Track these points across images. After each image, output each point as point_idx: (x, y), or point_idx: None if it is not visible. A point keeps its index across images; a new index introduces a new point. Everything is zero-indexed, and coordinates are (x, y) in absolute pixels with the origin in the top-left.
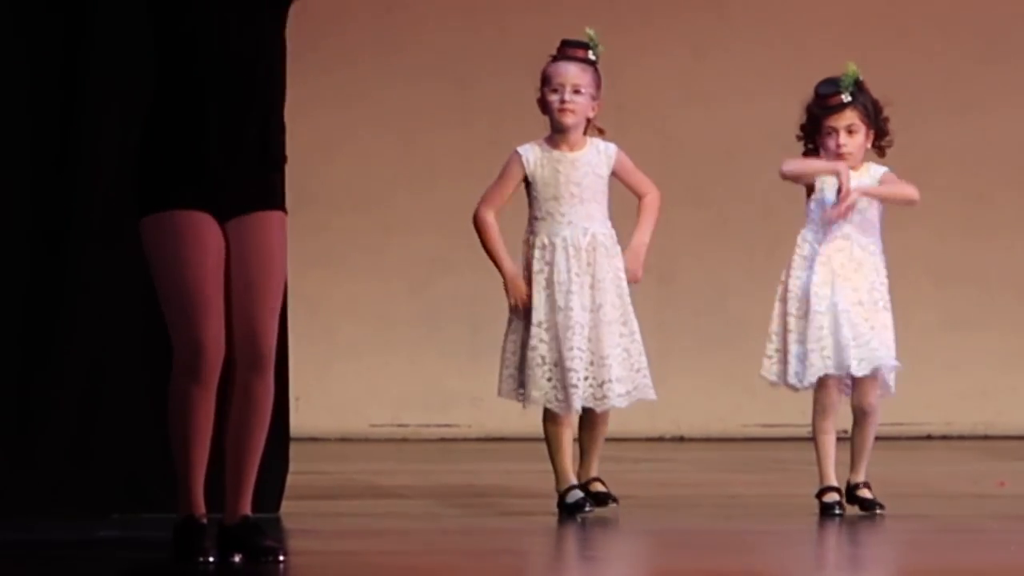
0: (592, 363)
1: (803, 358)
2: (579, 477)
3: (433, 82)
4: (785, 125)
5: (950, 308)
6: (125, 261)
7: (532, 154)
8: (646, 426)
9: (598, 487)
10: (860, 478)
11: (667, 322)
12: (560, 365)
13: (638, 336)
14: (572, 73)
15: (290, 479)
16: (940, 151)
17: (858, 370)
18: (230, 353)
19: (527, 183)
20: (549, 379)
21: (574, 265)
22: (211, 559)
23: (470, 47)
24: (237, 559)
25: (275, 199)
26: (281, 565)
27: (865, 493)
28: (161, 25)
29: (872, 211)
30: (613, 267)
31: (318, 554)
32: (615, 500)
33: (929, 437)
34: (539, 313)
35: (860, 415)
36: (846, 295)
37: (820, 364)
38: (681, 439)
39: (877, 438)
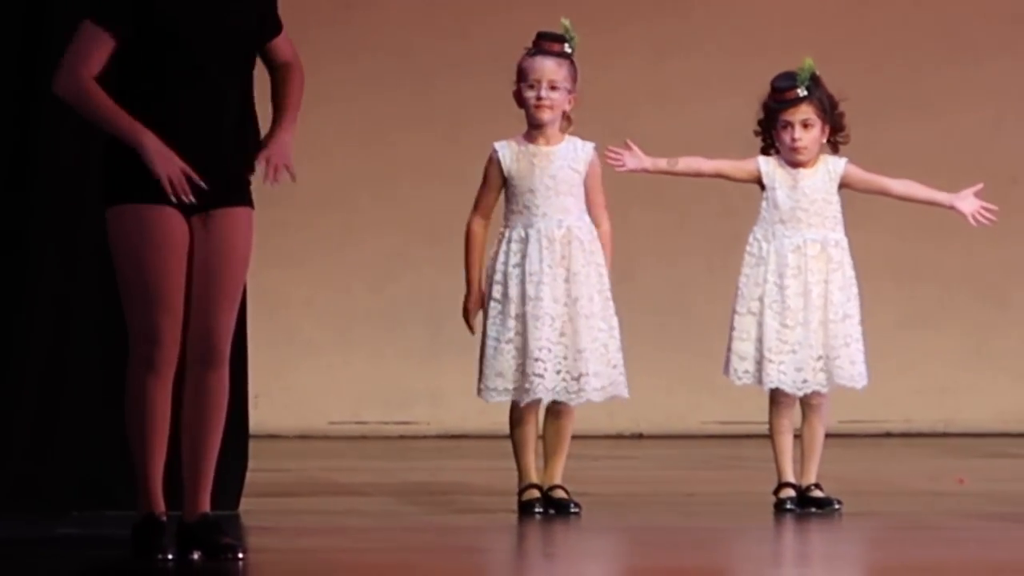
0: (567, 356)
1: (758, 360)
2: (543, 481)
3: (394, 82)
4: (745, 125)
5: (909, 306)
6: (84, 259)
7: (508, 150)
8: (606, 424)
9: (560, 494)
10: (811, 479)
11: (627, 321)
12: (527, 356)
13: (616, 333)
14: (548, 68)
15: (249, 476)
16: (900, 150)
17: (811, 388)
18: (184, 348)
19: (507, 178)
20: (515, 370)
21: (547, 256)
22: (169, 557)
23: (431, 48)
24: (196, 556)
25: (242, 195)
26: (240, 562)
27: (817, 493)
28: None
29: (837, 205)
30: (592, 261)
31: (277, 552)
32: (577, 508)
33: (888, 435)
34: (516, 306)
35: (808, 409)
36: (825, 308)
37: (776, 378)
38: (640, 436)
39: (837, 435)
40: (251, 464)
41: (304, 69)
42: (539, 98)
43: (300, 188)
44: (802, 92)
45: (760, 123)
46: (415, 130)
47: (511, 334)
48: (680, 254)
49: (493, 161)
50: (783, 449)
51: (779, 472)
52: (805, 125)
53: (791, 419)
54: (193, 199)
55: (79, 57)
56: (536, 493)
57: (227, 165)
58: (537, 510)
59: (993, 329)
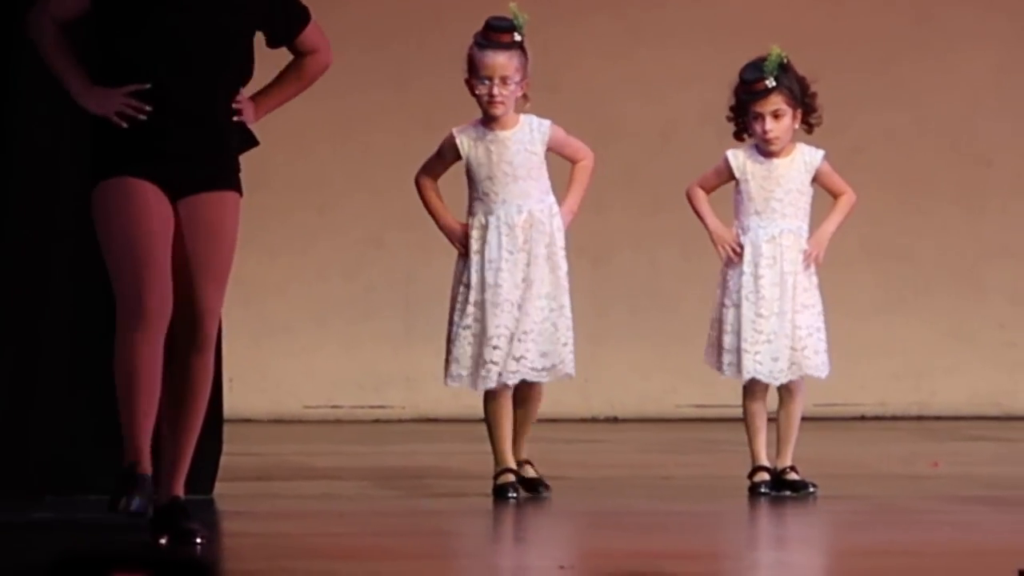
0: (512, 337)
1: (736, 351)
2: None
3: (368, 62)
4: (720, 109)
5: (885, 289)
6: (57, 244)
7: (466, 136)
8: (580, 407)
9: (529, 471)
10: (787, 462)
11: (601, 304)
12: (485, 342)
13: (567, 312)
14: (499, 64)
15: (223, 460)
16: (875, 133)
17: (787, 377)
18: (171, 332)
19: (466, 166)
20: (471, 357)
21: (506, 243)
22: (132, 507)
23: (405, 25)
24: (163, 541)
25: (229, 180)
26: (198, 547)
27: (792, 476)
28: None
29: (809, 197)
30: (551, 241)
31: (252, 535)
32: (547, 487)
33: (863, 418)
34: (475, 293)
35: (785, 393)
36: (794, 298)
37: (752, 368)
38: (615, 420)
39: (811, 418)
40: (225, 448)
41: (330, 58)
42: (491, 95)
43: (275, 174)
44: (770, 83)
45: (732, 108)
46: (389, 118)
47: (469, 320)
48: (656, 239)
49: (449, 142)
50: (756, 433)
51: (753, 456)
52: (776, 115)
53: (764, 403)
54: (148, 109)
55: (52, 1)
56: (511, 477)
57: (214, 150)
58: (511, 495)
59: (968, 312)
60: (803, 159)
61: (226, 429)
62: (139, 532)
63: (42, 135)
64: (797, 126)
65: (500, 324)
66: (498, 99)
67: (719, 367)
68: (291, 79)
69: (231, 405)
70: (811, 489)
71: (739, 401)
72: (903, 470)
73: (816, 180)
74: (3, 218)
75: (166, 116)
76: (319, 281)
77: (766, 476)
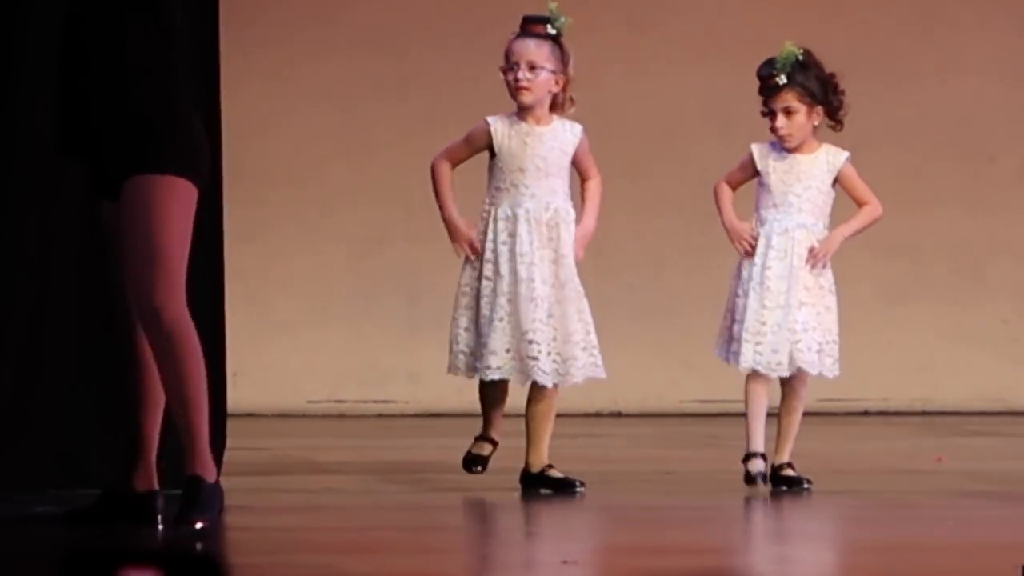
0: (556, 339)
1: (740, 340)
2: (530, 465)
3: (370, 56)
4: (722, 99)
5: (887, 283)
6: (61, 240)
7: (500, 125)
8: (583, 402)
9: (554, 472)
10: (784, 459)
11: (604, 297)
12: (520, 337)
13: (589, 315)
14: (528, 50)
15: (227, 455)
16: (876, 125)
17: (786, 372)
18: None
19: (492, 154)
20: (508, 350)
21: (536, 238)
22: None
23: (407, 21)
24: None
25: (145, 163)
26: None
27: (788, 472)
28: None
29: (830, 198)
30: (571, 246)
31: (255, 530)
32: (581, 484)
33: (866, 413)
34: (504, 284)
35: (787, 389)
36: (799, 294)
37: (751, 358)
38: (618, 415)
39: (814, 414)
40: (229, 442)
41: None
42: (517, 79)
43: (276, 166)
44: (781, 80)
45: (764, 104)
46: (392, 107)
47: (501, 312)
48: (658, 230)
49: (483, 129)
50: (753, 417)
51: (749, 440)
52: (787, 112)
53: (766, 390)
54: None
55: None
56: (488, 449)
57: (121, 140)
58: (477, 469)
59: (971, 307)
60: (827, 158)
61: (229, 424)
62: (138, 525)
63: (44, 130)
64: (817, 123)
65: (536, 319)
66: (523, 83)
67: (727, 356)
68: None
69: (234, 400)
70: (805, 485)
71: (742, 397)
72: (906, 465)
73: (839, 182)
74: (5, 213)
75: (80, 115)
76: (322, 276)
77: (761, 464)
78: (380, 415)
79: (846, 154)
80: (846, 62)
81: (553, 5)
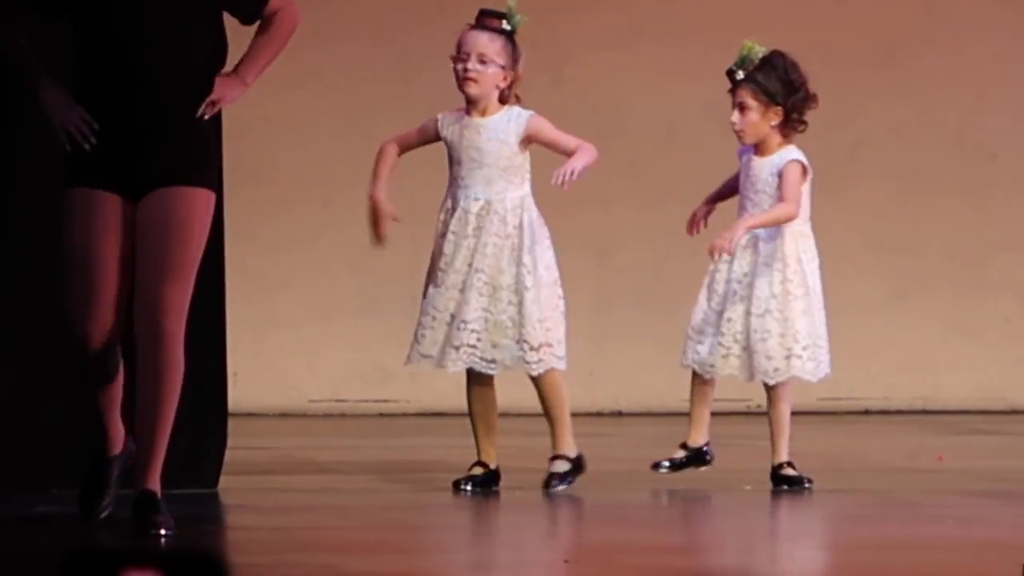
0: (452, 322)
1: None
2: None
3: (373, 53)
4: (724, 96)
5: (889, 283)
6: (60, 239)
7: (448, 119)
8: (585, 401)
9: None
10: (782, 458)
11: (606, 297)
12: (458, 326)
13: (537, 309)
14: (480, 42)
15: (228, 455)
16: (878, 125)
17: (723, 372)
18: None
19: (439, 141)
20: (450, 342)
21: (458, 227)
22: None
23: (411, 18)
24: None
25: (189, 176)
26: (162, 540)
27: (788, 471)
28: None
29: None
30: (517, 235)
31: (256, 529)
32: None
33: (867, 412)
34: (458, 275)
35: (771, 393)
36: (761, 303)
37: (690, 357)
38: (620, 414)
39: (816, 412)
40: (230, 442)
41: (297, 15)
42: (465, 70)
43: (279, 168)
44: (739, 75)
45: None
46: (394, 111)
47: (452, 304)
48: (660, 231)
49: (433, 122)
50: (695, 415)
51: (690, 432)
52: (741, 108)
53: (708, 389)
54: (93, 142)
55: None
56: (480, 472)
57: (174, 146)
58: (464, 488)
59: (973, 306)
60: (776, 161)
61: (231, 423)
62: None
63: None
64: (775, 124)
65: (439, 307)
66: (471, 75)
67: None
68: (267, 44)
69: (235, 399)
70: (806, 484)
71: (743, 395)
72: (907, 464)
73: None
74: (7, 214)
75: (123, 117)
76: (323, 275)
77: (680, 453)
78: (381, 414)
79: (791, 156)
80: (848, 57)
81: (512, 2)
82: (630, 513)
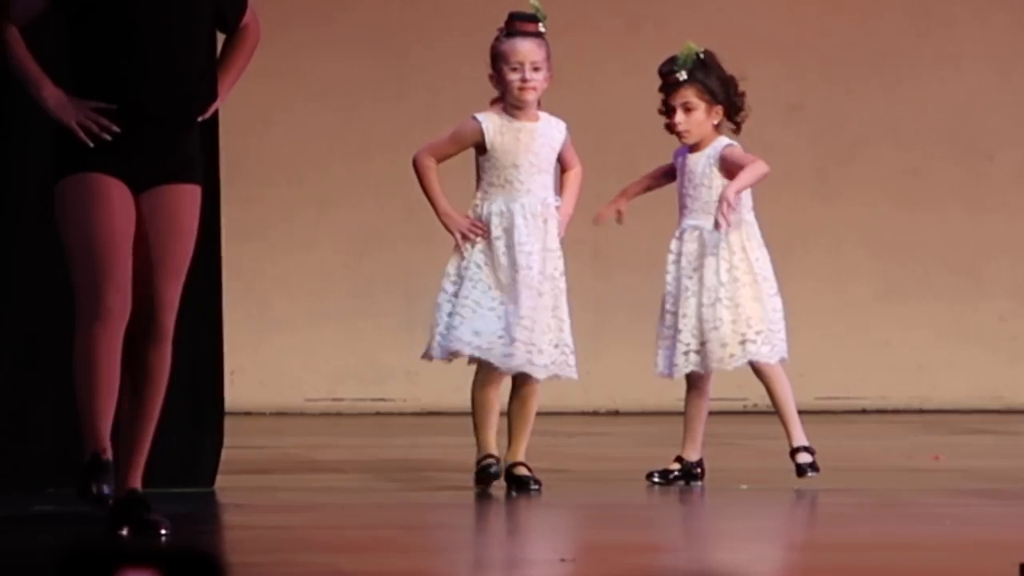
0: (552, 328)
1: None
2: (506, 459)
3: (369, 55)
4: None
5: (885, 281)
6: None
7: (491, 122)
8: (581, 400)
9: (522, 471)
10: (797, 442)
11: (602, 296)
12: (513, 323)
13: (565, 313)
14: (529, 50)
15: (225, 453)
16: (874, 124)
17: (684, 371)
18: (129, 325)
19: (480, 151)
20: (501, 336)
21: (533, 231)
22: (104, 491)
23: (406, 19)
24: (124, 532)
25: (189, 172)
26: (164, 538)
27: (803, 458)
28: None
29: (717, 190)
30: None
31: (253, 528)
32: (538, 485)
33: (864, 411)
34: (502, 273)
35: (763, 380)
36: (710, 280)
37: (683, 363)
38: (616, 413)
39: (813, 412)
40: (227, 441)
41: (259, 31)
42: (524, 80)
43: (275, 164)
44: (682, 76)
45: (662, 103)
46: (391, 106)
47: (494, 303)
48: (656, 229)
49: (472, 126)
50: (688, 430)
51: (684, 445)
52: (686, 109)
53: (696, 394)
54: (114, 132)
55: (10, 4)
56: (493, 461)
57: (178, 143)
58: (493, 471)
59: (969, 305)
60: (710, 153)
61: (227, 422)
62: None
63: (40, 134)
64: (716, 123)
65: (530, 307)
66: (531, 84)
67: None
68: (238, 59)
69: (232, 398)
70: (810, 473)
71: (740, 394)
72: (904, 463)
73: (722, 166)
74: (3, 214)
75: (130, 111)
76: (320, 274)
77: (674, 466)
78: (378, 413)
79: (725, 140)
80: (845, 60)
81: (535, 1)
82: (627, 512)
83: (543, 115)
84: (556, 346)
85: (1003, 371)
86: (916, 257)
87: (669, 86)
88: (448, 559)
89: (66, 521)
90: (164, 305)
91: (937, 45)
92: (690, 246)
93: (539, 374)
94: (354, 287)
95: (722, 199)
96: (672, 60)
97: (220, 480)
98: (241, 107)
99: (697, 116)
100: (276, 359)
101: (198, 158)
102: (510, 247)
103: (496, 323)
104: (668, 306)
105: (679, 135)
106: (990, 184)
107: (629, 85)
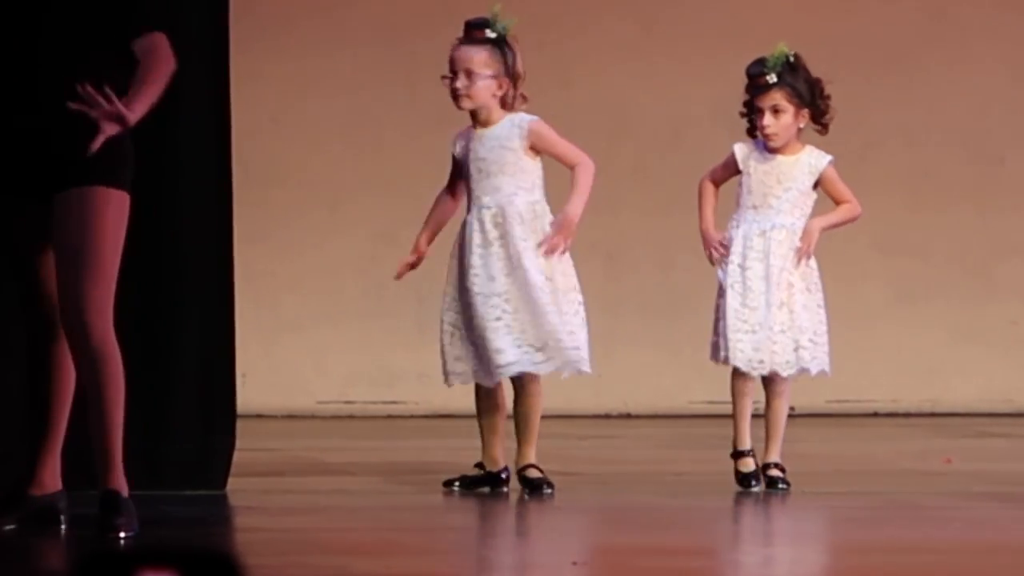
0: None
1: (724, 337)
2: (516, 463)
3: (379, 60)
4: (732, 103)
5: (897, 284)
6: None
7: (459, 137)
8: (593, 403)
9: (534, 473)
10: (772, 458)
11: (614, 299)
12: (467, 339)
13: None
14: (465, 57)
15: (236, 456)
16: (885, 126)
17: (767, 370)
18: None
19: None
20: (471, 353)
21: (477, 239)
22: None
23: (418, 26)
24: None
25: (80, 177)
26: (122, 542)
27: (775, 473)
28: None
29: (811, 200)
30: (533, 236)
31: (264, 531)
32: (551, 487)
33: (875, 414)
34: (452, 289)
35: (770, 393)
36: (778, 295)
37: (733, 355)
38: (628, 416)
39: (824, 415)
40: (238, 443)
41: (174, 62)
42: (454, 88)
43: (287, 171)
44: (772, 79)
45: (745, 104)
46: (402, 105)
47: (459, 320)
48: (668, 232)
49: (451, 147)
50: (740, 414)
51: (736, 437)
52: (775, 111)
53: (750, 387)
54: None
55: None
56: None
57: (79, 148)
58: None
59: (980, 309)
60: (808, 160)
61: (239, 425)
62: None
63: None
64: (803, 125)
65: (482, 315)
66: (461, 92)
67: (712, 354)
68: (151, 82)
69: (244, 401)
70: (780, 486)
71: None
72: (915, 466)
73: (820, 185)
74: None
75: (27, 119)
76: (332, 277)
77: (751, 464)
78: (390, 416)
79: (829, 157)
80: (856, 61)
81: (496, 7)
82: (639, 515)
83: (510, 116)
84: (526, 345)
85: (1015, 374)
86: (927, 260)
87: (758, 88)
88: (459, 562)
89: (76, 523)
90: (82, 304)
91: (949, 48)
92: (783, 248)
93: (507, 373)
94: (365, 289)
95: (807, 232)
96: (762, 62)
97: (232, 482)
98: (251, 108)
99: (785, 119)
100: (287, 361)
101: (113, 163)
102: (460, 261)
103: (465, 343)
104: (749, 302)
105: (767, 138)
106: (1002, 186)
107: (640, 90)
